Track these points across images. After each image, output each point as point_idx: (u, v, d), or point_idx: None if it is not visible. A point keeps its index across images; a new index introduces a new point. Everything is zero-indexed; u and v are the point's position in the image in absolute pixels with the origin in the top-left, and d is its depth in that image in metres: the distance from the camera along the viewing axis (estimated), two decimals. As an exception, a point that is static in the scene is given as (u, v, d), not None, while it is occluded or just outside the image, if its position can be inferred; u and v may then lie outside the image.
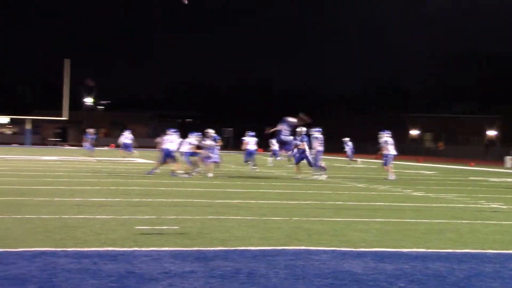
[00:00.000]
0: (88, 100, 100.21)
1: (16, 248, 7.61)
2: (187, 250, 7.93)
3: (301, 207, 13.66)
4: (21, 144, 73.61)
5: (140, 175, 22.96)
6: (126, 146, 40.94)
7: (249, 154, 26.27)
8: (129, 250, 7.78)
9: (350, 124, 77.02)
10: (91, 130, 39.43)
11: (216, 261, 7.30)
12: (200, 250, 7.98)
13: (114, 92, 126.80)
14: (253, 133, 27.32)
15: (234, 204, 13.86)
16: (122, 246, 8.01)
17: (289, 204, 14.12)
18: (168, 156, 23.30)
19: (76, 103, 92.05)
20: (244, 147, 27.19)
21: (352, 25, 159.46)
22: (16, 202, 12.85)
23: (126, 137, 41.14)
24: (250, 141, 26.51)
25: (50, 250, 7.61)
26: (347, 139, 38.96)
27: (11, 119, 79.68)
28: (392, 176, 24.11)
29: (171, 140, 23.19)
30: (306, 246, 8.50)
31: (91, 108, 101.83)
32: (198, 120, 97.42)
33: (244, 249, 8.14)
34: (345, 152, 39.10)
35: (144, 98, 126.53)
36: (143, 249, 7.90)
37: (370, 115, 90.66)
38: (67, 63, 71.54)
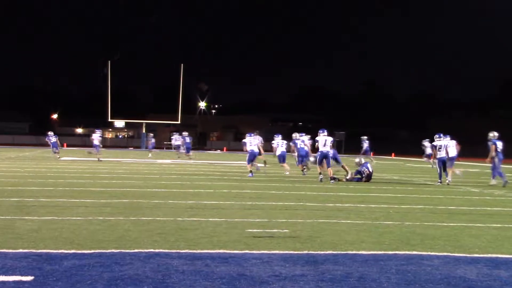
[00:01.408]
0: (203, 104, 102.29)
1: (132, 249, 7.85)
2: (297, 254, 7.94)
3: (414, 211, 13.41)
4: (137, 147, 75.81)
5: (253, 178, 23.15)
6: (178, 147, 42.64)
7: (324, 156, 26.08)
8: (241, 253, 7.86)
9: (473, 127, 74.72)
10: (150, 134, 41.33)
11: (327, 265, 7.28)
12: (310, 253, 7.98)
13: (226, 96, 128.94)
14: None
15: (345, 207, 13.76)
16: (234, 249, 8.11)
17: (401, 208, 13.88)
18: (254, 157, 25.00)
19: (190, 107, 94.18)
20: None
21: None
22: (134, 204, 13.24)
23: (176, 139, 42.68)
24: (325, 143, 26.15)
25: (164, 251, 7.80)
26: (364, 137, 39.43)
27: (127, 123, 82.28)
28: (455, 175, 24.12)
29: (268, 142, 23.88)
30: (418, 251, 8.35)
31: (205, 112, 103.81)
32: (311, 123, 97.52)
33: (355, 253, 8.07)
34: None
35: (258, 102, 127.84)
36: (254, 252, 7.97)
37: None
38: (182, 68, 73.15)
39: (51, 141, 42.67)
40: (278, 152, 27.38)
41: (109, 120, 73.05)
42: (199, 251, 7.91)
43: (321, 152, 22.30)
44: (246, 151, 26.29)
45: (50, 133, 43.20)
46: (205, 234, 9.31)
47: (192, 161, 38.65)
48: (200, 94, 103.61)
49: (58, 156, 39.57)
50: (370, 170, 22.99)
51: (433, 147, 24.07)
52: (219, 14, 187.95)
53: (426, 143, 39.80)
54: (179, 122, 73.77)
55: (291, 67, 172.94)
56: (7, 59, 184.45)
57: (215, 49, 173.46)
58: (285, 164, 26.69)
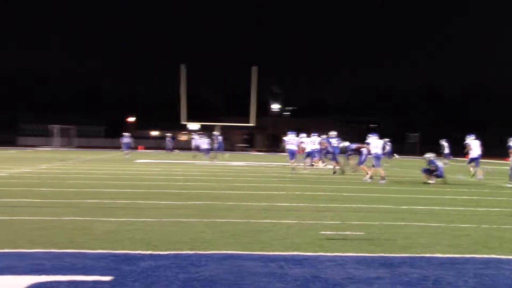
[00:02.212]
0: (275, 107, 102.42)
1: (206, 251, 7.95)
2: (371, 256, 7.90)
3: (490, 214, 13.14)
4: (211, 150, 76.44)
5: (325, 180, 23.10)
6: (198, 148, 43.23)
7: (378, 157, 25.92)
8: (314, 255, 7.87)
9: None
10: (169, 134, 42.23)
11: (402, 268, 7.22)
12: (385, 256, 7.93)
13: (299, 98, 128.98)
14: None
15: (419, 210, 13.60)
16: (307, 251, 8.12)
17: (477, 211, 13.62)
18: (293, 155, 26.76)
19: (263, 109, 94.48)
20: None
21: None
22: (208, 206, 13.39)
23: (203, 141, 43.38)
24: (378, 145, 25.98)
25: (238, 253, 7.87)
26: (387, 139, 39.09)
27: (201, 125, 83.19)
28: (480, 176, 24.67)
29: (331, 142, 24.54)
30: (496, 254, 8.19)
31: (277, 114, 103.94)
32: (381, 125, 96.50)
33: (431, 256, 7.98)
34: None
35: (329, 103, 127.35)
36: (328, 254, 7.96)
37: None
38: (254, 71, 73.44)
39: (124, 142, 43.67)
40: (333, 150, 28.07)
41: (183, 122, 73.87)
42: (272, 253, 7.95)
43: (376, 154, 22.95)
44: (287, 150, 28.16)
45: (126, 134, 44.29)
46: (279, 236, 9.35)
47: (217, 162, 38.62)
48: (273, 96, 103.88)
49: (127, 157, 40.40)
50: (440, 168, 22.77)
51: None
52: (287, 16, 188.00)
53: (444, 142, 40.60)
54: (252, 124, 74.06)
55: (360, 68, 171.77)
56: (88, 62, 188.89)
57: (286, 51, 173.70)
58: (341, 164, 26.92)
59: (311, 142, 30.28)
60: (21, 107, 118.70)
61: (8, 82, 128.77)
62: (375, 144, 23.10)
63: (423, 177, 23.05)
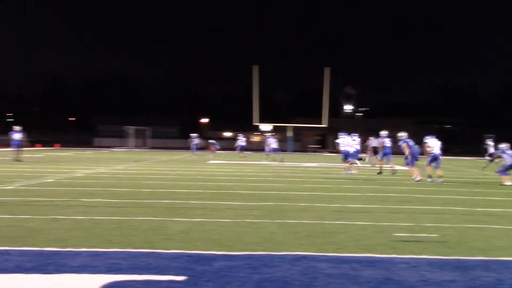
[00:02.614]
0: (348, 108, 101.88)
1: (279, 252, 7.97)
2: (446, 259, 7.78)
3: None
4: (283, 150, 76.60)
5: (396, 181, 22.86)
6: (242, 149, 42.96)
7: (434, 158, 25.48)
8: (387, 257, 7.80)
9: None
10: (194, 135, 42.90)
11: (477, 271, 7.09)
12: (459, 259, 7.79)
13: (373, 99, 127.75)
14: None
15: (495, 212, 13.31)
16: (380, 253, 8.06)
17: (558, 213, 13.23)
18: (348, 157, 27.41)
19: (335, 110, 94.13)
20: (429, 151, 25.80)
21: None
22: (280, 207, 13.42)
23: (242, 140, 43.38)
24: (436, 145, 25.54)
25: (311, 254, 7.86)
26: (489, 140, 37.80)
27: (274, 126, 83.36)
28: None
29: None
30: None
31: (350, 115, 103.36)
32: (459, 126, 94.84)
33: (507, 260, 7.80)
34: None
35: (404, 104, 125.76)
36: (401, 256, 7.88)
37: None
38: (327, 72, 73.15)
39: (193, 143, 44.17)
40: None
41: (255, 123, 74.15)
42: (345, 254, 7.92)
43: (433, 154, 23.34)
44: (340, 151, 28.86)
45: (194, 135, 44.79)
46: (351, 237, 9.31)
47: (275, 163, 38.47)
48: (346, 97, 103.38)
49: (194, 158, 40.84)
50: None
51: None
52: (360, 16, 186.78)
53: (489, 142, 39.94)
54: (324, 125, 73.78)
55: (433, 68, 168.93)
56: (163, 65, 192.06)
57: (358, 51, 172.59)
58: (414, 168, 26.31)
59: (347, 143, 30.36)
60: (98, 109, 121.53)
61: (85, 85, 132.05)
62: (433, 144, 23.47)
63: (501, 179, 22.53)
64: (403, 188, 19.73)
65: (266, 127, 78.00)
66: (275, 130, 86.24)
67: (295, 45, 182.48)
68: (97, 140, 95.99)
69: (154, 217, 11.16)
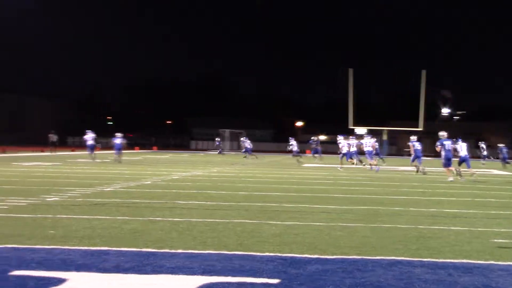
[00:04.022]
0: (444, 111, 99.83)
1: (373, 256, 7.91)
2: (547, 267, 7.52)
3: None
4: (377, 154, 75.70)
5: (495, 187, 22.25)
6: (296, 152, 43.42)
7: (463, 160, 26.50)
8: (485, 263, 7.62)
9: None
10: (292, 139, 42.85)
11: None
12: (562, 267, 7.52)
13: (471, 102, 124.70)
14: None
15: None
16: (478, 259, 7.88)
17: None
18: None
19: (431, 114, 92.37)
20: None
21: None
22: (374, 211, 13.31)
23: (294, 145, 43.33)
24: (463, 148, 26.47)
25: (406, 259, 7.76)
26: (501, 145, 36.55)
27: (368, 130, 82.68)
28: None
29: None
30: None
31: (446, 119, 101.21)
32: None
33: None
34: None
35: (506, 107, 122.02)
36: (499, 263, 7.68)
37: None
38: (423, 74, 72.02)
39: (293, 147, 44.31)
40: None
41: (350, 127, 73.76)
42: (441, 260, 7.78)
43: (461, 156, 25.98)
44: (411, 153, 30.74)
45: (291, 138, 45.01)
46: (447, 243, 9.13)
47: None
48: (442, 101, 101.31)
49: (301, 160, 40.98)
50: None
51: None
52: (456, 20, 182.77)
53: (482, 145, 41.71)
54: (420, 128, 72.63)
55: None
56: (258, 68, 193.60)
57: (455, 55, 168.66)
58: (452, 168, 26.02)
59: (348, 144, 34.60)
60: (193, 112, 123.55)
61: (182, 88, 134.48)
62: (460, 147, 25.98)
63: None
64: (503, 193, 19.19)
65: (361, 130, 77.33)
66: (370, 133, 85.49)
67: (392, 48, 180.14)
68: (193, 143, 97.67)
69: (249, 220, 11.26)
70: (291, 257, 7.74)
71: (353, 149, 35.21)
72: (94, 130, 41.04)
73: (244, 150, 50.37)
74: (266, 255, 7.83)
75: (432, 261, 7.71)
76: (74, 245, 8.21)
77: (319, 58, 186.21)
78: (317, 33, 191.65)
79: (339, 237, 9.45)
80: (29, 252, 7.68)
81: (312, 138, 48.20)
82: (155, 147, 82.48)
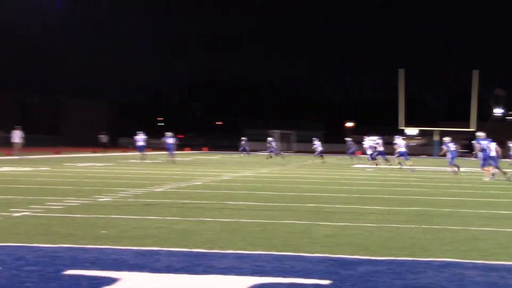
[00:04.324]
0: (497, 111, 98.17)
1: (424, 258, 7.84)
2: None
3: None
4: (429, 155, 74.94)
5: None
6: (319, 152, 43.86)
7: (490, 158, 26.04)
8: (539, 266, 7.49)
9: None
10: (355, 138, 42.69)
11: None
12: None
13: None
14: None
15: None
16: (530, 261, 7.75)
17: None
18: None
19: (484, 114, 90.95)
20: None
21: None
22: (425, 212, 13.19)
23: (318, 144, 43.13)
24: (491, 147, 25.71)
25: (457, 261, 7.67)
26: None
27: (420, 130, 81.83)
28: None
29: None
30: None
31: (499, 119, 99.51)
32: None
33: None
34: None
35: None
36: (554, 265, 7.54)
37: None
38: (475, 74, 71.03)
39: (351, 148, 44.17)
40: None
41: (401, 127, 73.08)
42: (494, 262, 7.67)
43: (489, 156, 25.20)
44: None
45: (348, 138, 44.95)
46: (499, 244, 9.00)
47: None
48: (495, 100, 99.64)
49: (352, 162, 40.85)
50: None
51: None
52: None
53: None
54: (472, 129, 71.53)
55: None
56: (307, 68, 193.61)
57: (508, 53, 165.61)
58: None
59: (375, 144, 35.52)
60: (244, 113, 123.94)
61: (233, 89, 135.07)
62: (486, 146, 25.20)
63: None
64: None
65: (411, 131, 76.68)
66: (421, 134, 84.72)
67: (443, 47, 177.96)
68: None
69: (299, 221, 11.27)
70: (342, 258, 7.72)
71: (381, 148, 36.03)
72: (145, 131, 41.70)
73: (269, 150, 50.36)
74: (317, 256, 7.83)
75: (484, 263, 7.61)
76: (126, 245, 8.33)
77: (370, 58, 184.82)
78: (369, 34, 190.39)
79: (390, 238, 9.39)
80: (82, 252, 7.82)
81: (348, 138, 48.09)
82: (205, 148, 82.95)
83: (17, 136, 43.45)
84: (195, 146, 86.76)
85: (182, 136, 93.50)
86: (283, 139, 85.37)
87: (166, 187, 18.37)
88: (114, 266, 7.03)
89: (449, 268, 7.25)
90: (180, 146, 56.74)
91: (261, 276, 6.64)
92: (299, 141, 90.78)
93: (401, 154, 33.65)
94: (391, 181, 23.64)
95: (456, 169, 29.98)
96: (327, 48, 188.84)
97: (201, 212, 12.42)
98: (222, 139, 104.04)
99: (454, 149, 30.95)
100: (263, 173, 28.58)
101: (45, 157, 42.22)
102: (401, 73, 71.57)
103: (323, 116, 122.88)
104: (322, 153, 45.73)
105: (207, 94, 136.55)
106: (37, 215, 11.35)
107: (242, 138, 57.58)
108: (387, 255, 7.94)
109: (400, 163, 33.56)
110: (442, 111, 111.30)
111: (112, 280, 6.30)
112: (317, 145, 45.26)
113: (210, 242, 8.69)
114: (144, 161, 37.63)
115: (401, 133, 72.88)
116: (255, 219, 11.33)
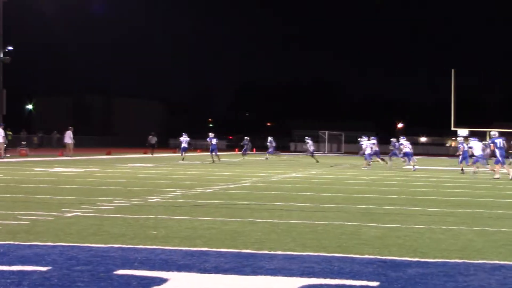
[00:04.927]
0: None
1: (476, 260, 7.71)
2: None
3: None
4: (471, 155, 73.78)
5: None
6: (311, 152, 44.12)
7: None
8: None
9: None
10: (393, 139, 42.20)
11: None
12: None
13: None
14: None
15: None
16: None
17: None
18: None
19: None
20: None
21: None
22: (477, 214, 12.98)
23: (311, 144, 43.10)
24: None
25: (510, 264, 7.52)
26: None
27: (472, 131, 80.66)
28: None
29: None
30: None
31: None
32: None
33: None
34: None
35: None
36: None
37: None
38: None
39: (395, 150, 43.64)
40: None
41: (453, 128, 72.10)
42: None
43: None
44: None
45: (307, 138, 44.74)
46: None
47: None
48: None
49: (407, 165, 40.08)
50: None
51: None
52: None
53: None
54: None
55: None
56: (360, 70, 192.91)
57: None
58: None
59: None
60: (295, 114, 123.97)
61: (284, 91, 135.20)
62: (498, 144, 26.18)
63: None
64: None
65: (463, 131, 75.52)
66: (474, 135, 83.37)
67: (496, 47, 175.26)
68: (292, 145, 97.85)
69: (348, 222, 11.19)
70: (391, 260, 7.64)
71: (376, 148, 36.89)
72: (195, 132, 42.39)
73: (309, 153, 49.81)
74: (366, 258, 7.76)
75: (538, 266, 7.45)
76: (175, 246, 8.38)
77: (421, 59, 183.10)
78: (421, 35, 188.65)
79: (441, 240, 9.26)
80: (132, 252, 7.90)
81: (392, 139, 47.35)
82: (254, 149, 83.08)
83: (68, 136, 44.32)
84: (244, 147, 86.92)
85: (231, 137, 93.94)
86: (333, 140, 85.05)
87: (215, 188, 18.45)
88: (163, 266, 7.07)
89: (502, 270, 7.12)
90: (230, 148, 56.83)
91: (310, 277, 6.61)
92: (348, 142, 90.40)
93: (406, 155, 34.41)
94: (442, 183, 23.33)
95: (465, 168, 31.36)
96: (377, 49, 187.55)
97: (250, 213, 12.44)
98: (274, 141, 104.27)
99: (466, 149, 31.55)
100: (313, 174, 28.50)
101: (96, 158, 42.83)
102: (453, 73, 70.59)
103: (375, 117, 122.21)
104: (313, 153, 45.53)
105: (257, 95, 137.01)
106: (88, 215, 11.52)
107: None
108: (438, 257, 7.83)
109: (414, 166, 33.67)
110: (496, 111, 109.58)
111: (162, 280, 6.34)
112: (310, 144, 45.08)
113: (259, 243, 8.69)
114: (183, 161, 39.09)
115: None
116: (304, 220, 11.29)
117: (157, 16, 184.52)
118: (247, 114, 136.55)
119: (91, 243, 8.43)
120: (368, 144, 36.06)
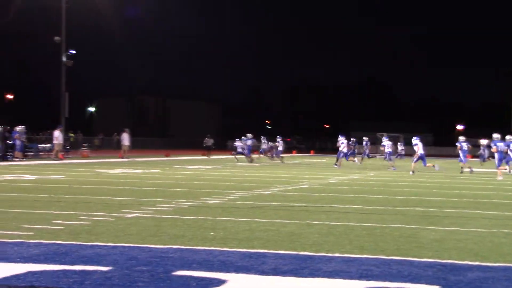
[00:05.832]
0: None
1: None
2: None
3: None
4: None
5: None
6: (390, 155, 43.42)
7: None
8: None
9: None
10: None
11: None
12: None
13: None
14: None
15: None
16: None
17: None
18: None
19: None
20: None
21: None
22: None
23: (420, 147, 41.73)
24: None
25: None
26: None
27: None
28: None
29: None
30: None
31: None
32: None
33: None
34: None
35: None
36: None
37: None
38: None
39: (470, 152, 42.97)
40: None
41: (513, 130, 70.81)
42: None
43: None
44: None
45: (462, 138, 43.72)
46: None
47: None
48: None
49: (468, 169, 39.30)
50: None
51: None
52: None
53: None
54: None
55: None
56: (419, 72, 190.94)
57: None
58: None
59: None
60: (354, 116, 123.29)
61: (342, 92, 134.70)
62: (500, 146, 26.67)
63: None
64: None
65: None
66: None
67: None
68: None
69: (407, 225, 11.08)
70: (451, 264, 7.54)
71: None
72: (253, 134, 42.64)
73: (367, 154, 49.34)
74: (425, 261, 7.67)
75: None
76: (233, 247, 8.43)
77: (478, 60, 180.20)
78: (472, 36, 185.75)
79: (503, 244, 9.09)
80: (191, 253, 7.97)
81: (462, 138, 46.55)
82: (312, 151, 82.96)
83: (125, 138, 45.00)
84: (302, 149, 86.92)
85: (289, 139, 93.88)
86: (391, 142, 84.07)
87: (273, 190, 18.47)
88: (221, 267, 7.12)
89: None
90: (288, 150, 56.79)
91: (368, 280, 6.57)
92: (406, 144, 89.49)
93: (421, 157, 33.92)
94: (505, 186, 22.88)
95: (468, 169, 32.02)
96: (435, 52, 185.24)
97: (307, 215, 12.42)
98: (331, 142, 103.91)
99: (466, 148, 32.49)
100: (371, 176, 28.30)
101: (155, 160, 43.35)
102: None
103: (433, 119, 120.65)
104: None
105: (316, 97, 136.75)
106: (148, 216, 11.67)
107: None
108: (499, 261, 7.69)
109: (435, 165, 34.64)
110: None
111: (220, 282, 6.39)
112: (387, 145, 44.74)
113: (317, 245, 8.68)
114: (236, 162, 41.07)
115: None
116: (362, 223, 11.23)
117: (210, 18, 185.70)
118: (301, 115, 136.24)
119: (151, 244, 8.54)
120: (388, 144, 38.80)
